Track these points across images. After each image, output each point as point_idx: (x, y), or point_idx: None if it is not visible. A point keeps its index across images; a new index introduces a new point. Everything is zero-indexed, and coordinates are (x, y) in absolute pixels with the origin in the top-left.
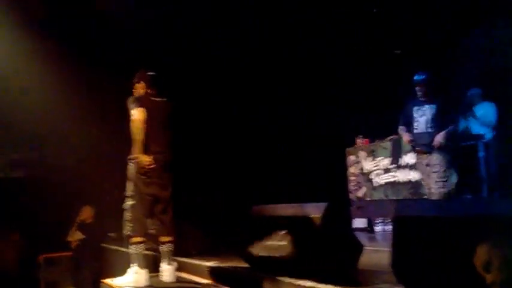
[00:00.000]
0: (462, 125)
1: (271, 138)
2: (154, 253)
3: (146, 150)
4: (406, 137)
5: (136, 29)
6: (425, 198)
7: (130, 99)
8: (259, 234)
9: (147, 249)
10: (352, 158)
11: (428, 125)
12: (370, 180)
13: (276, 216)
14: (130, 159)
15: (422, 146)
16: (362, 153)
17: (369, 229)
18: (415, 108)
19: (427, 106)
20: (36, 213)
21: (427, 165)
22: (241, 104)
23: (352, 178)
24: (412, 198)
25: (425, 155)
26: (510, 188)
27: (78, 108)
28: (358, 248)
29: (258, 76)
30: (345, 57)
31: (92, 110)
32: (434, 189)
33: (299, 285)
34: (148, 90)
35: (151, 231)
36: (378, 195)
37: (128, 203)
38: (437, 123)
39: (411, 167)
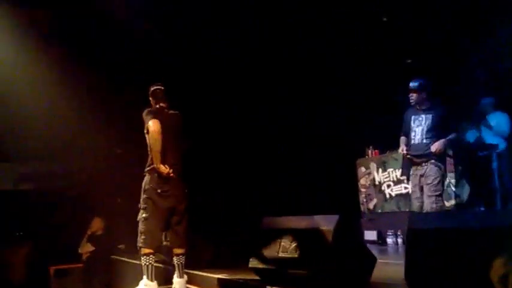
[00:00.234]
0: (474, 135)
1: (282, 150)
2: (165, 266)
3: (163, 161)
4: (400, 149)
5: (147, 38)
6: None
7: (145, 111)
8: (270, 247)
9: (158, 262)
10: (362, 169)
11: (424, 136)
12: (381, 192)
13: (287, 228)
14: (146, 171)
15: (417, 156)
16: (373, 165)
17: (380, 241)
18: (413, 117)
19: (423, 116)
20: (47, 225)
21: (421, 176)
22: (253, 114)
23: (363, 190)
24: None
25: (420, 166)
26: None
27: (90, 121)
28: (371, 260)
29: (267, 81)
30: (357, 67)
31: (103, 122)
32: (426, 204)
33: None
34: (161, 104)
35: (166, 242)
36: (390, 207)
37: (141, 215)
38: (434, 133)
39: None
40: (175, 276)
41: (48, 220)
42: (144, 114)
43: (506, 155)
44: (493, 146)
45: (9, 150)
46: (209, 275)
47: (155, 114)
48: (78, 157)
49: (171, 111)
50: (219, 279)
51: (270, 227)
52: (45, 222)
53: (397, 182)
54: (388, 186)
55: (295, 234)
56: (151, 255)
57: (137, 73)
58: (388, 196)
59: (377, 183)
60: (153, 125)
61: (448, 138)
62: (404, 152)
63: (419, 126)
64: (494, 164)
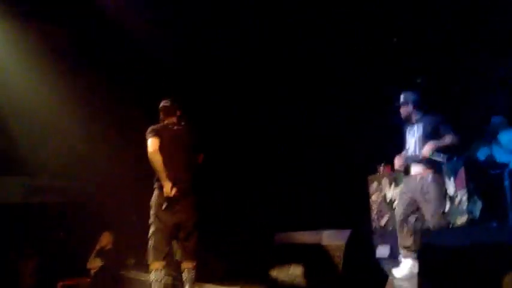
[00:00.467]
0: (486, 153)
1: (294, 165)
2: (174, 281)
3: (170, 177)
4: (395, 163)
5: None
6: (452, 228)
7: (148, 129)
8: (282, 262)
9: (168, 277)
10: (374, 185)
11: (417, 146)
12: (393, 209)
13: (299, 243)
14: (154, 187)
15: (413, 165)
16: (385, 181)
17: (392, 258)
18: (407, 130)
19: (415, 127)
20: (55, 239)
21: (418, 190)
22: (256, 115)
23: (374, 206)
24: (438, 226)
25: (415, 179)
26: None
27: (101, 136)
28: (383, 276)
29: (268, 81)
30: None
31: (114, 137)
32: (432, 222)
33: None
34: (170, 119)
35: (177, 257)
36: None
37: (150, 230)
38: (427, 141)
39: None
40: None
41: (56, 234)
42: (147, 132)
43: None
44: (505, 164)
45: (19, 163)
46: None
47: (155, 133)
48: (88, 171)
49: (180, 126)
50: None
51: (283, 242)
52: (53, 236)
53: None
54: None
55: (308, 249)
56: (159, 271)
57: (152, 87)
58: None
59: (388, 200)
60: (149, 146)
61: (440, 140)
62: (397, 167)
63: (412, 138)
64: (506, 182)
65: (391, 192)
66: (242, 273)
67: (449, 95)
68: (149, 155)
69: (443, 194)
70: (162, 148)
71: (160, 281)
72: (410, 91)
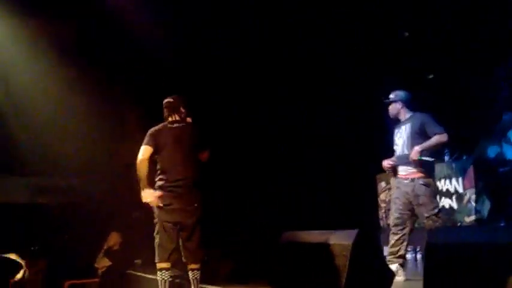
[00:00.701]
0: (496, 150)
1: (303, 163)
2: (181, 281)
3: (166, 179)
4: (384, 164)
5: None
6: (458, 226)
7: (149, 131)
8: (289, 261)
9: (174, 276)
10: (382, 184)
11: (405, 147)
12: None
13: (306, 242)
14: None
15: (400, 166)
16: (393, 180)
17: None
18: (396, 130)
19: (403, 126)
20: (63, 239)
21: (408, 192)
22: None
23: (383, 205)
24: (444, 225)
25: (405, 181)
26: None
27: (108, 136)
28: (389, 276)
29: (269, 81)
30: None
31: (122, 137)
32: (427, 224)
33: None
34: (172, 117)
35: (182, 257)
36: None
37: (154, 229)
38: (415, 142)
39: (444, 193)
40: None
41: (64, 234)
42: (147, 133)
43: None
44: None
45: (26, 163)
46: None
47: (150, 139)
48: (95, 171)
49: (184, 123)
50: None
51: (289, 241)
52: (61, 236)
53: None
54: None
55: (314, 248)
56: (165, 270)
57: (152, 86)
58: None
59: None
60: (140, 153)
61: (426, 142)
62: (386, 165)
63: (400, 138)
64: None
65: None
66: (247, 273)
67: (459, 92)
68: (137, 162)
69: (434, 195)
70: (162, 147)
71: (167, 280)
72: (400, 89)
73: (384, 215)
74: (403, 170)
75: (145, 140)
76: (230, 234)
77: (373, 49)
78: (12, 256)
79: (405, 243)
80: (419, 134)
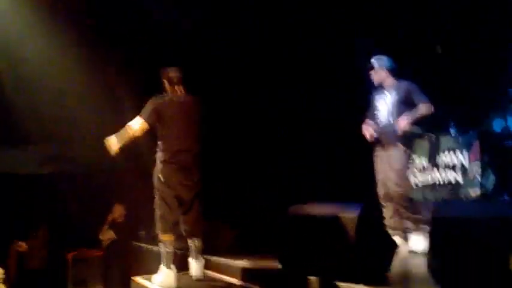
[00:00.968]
0: (501, 124)
1: (307, 136)
2: (184, 252)
3: (168, 152)
4: (366, 130)
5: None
6: (463, 200)
7: (151, 100)
8: (294, 234)
9: (177, 248)
10: None
11: (389, 115)
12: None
13: (312, 215)
14: (155, 158)
15: (383, 137)
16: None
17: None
18: (377, 97)
19: (387, 94)
20: (67, 210)
21: (387, 162)
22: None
23: None
24: (450, 199)
25: (385, 150)
26: None
27: (115, 106)
28: (394, 248)
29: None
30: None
31: (129, 108)
32: (393, 191)
33: (334, 285)
34: (176, 89)
35: (181, 230)
36: (415, 196)
37: (155, 201)
38: (399, 111)
39: (449, 167)
40: (192, 260)
41: (68, 205)
42: (149, 102)
43: None
44: None
45: (31, 132)
46: (230, 261)
47: (155, 112)
48: (99, 141)
49: (187, 96)
50: (240, 266)
51: (295, 214)
52: (65, 208)
53: (423, 170)
54: (414, 174)
55: (320, 221)
56: (168, 242)
57: (158, 59)
58: (413, 185)
59: None
60: (136, 125)
61: (413, 111)
62: (372, 134)
63: (383, 106)
64: None
65: None
66: (253, 245)
67: (464, 65)
68: (129, 131)
69: (408, 161)
70: (168, 120)
71: (170, 252)
72: (385, 55)
73: None
74: (385, 140)
75: (146, 114)
76: (235, 205)
77: (374, 30)
78: None
79: (398, 215)
80: (405, 103)
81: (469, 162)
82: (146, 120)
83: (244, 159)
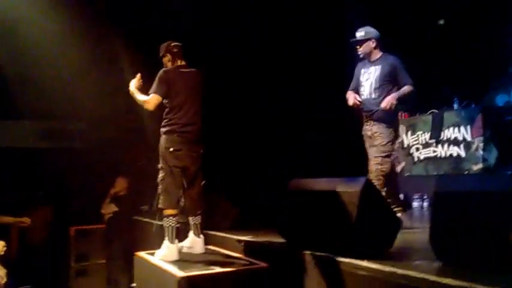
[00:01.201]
0: (504, 99)
1: (308, 110)
2: (185, 226)
3: (177, 124)
4: (350, 100)
5: None
6: (466, 174)
7: (161, 74)
8: (296, 209)
9: (180, 223)
10: None
11: (372, 90)
12: (409, 155)
13: (314, 190)
14: (162, 131)
15: (367, 112)
16: (402, 127)
17: (407, 205)
18: (362, 70)
19: (372, 68)
20: (69, 184)
21: (370, 137)
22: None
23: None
24: (453, 173)
25: (369, 125)
26: None
27: (115, 80)
28: (397, 224)
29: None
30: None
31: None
32: (372, 166)
33: (336, 261)
34: (179, 62)
35: (181, 203)
36: (418, 171)
37: (160, 175)
38: (384, 86)
39: (452, 141)
40: (192, 236)
41: (70, 179)
42: (158, 76)
43: None
44: None
45: (29, 106)
46: (232, 236)
47: (165, 84)
48: (102, 116)
49: (190, 69)
50: (241, 240)
51: (297, 188)
52: (66, 182)
53: (426, 145)
54: (417, 149)
55: (322, 196)
56: (172, 217)
57: (161, 33)
58: (416, 159)
59: (405, 146)
60: (150, 101)
61: (399, 92)
62: (355, 102)
63: (368, 80)
64: None
65: (408, 139)
66: (255, 221)
67: (467, 39)
68: (144, 106)
69: (391, 137)
70: (177, 92)
71: (174, 227)
72: (371, 27)
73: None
74: (369, 114)
75: (156, 87)
76: (236, 181)
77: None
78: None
79: (392, 190)
80: (389, 79)
81: (472, 136)
82: (159, 94)
83: (245, 138)
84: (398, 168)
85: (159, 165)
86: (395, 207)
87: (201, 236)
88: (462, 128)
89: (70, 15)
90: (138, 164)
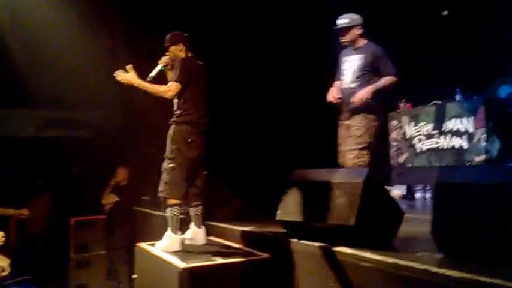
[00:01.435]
0: (507, 90)
1: (310, 99)
2: (186, 217)
3: (193, 115)
4: (329, 96)
5: None
6: (468, 166)
7: (185, 62)
8: (298, 199)
9: (182, 213)
10: (394, 122)
11: (353, 79)
12: (412, 146)
13: (316, 181)
14: (176, 121)
15: (344, 102)
16: (405, 118)
17: (409, 196)
18: (344, 58)
19: (354, 56)
20: (69, 174)
21: (348, 128)
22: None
23: (394, 143)
24: (455, 165)
25: (346, 115)
26: None
27: (117, 67)
28: (399, 215)
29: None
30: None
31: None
32: (348, 159)
33: (338, 252)
34: (189, 54)
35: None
36: (420, 162)
37: (168, 165)
38: (364, 76)
39: (455, 133)
40: (194, 227)
41: (70, 169)
42: (181, 64)
43: None
44: None
45: (32, 94)
46: (234, 227)
47: (189, 73)
48: (104, 105)
49: (201, 62)
50: (244, 231)
51: (299, 179)
52: (67, 172)
53: (429, 136)
54: (420, 140)
55: (325, 187)
56: (176, 207)
57: (167, 21)
58: (418, 150)
59: (408, 137)
60: (173, 89)
61: (377, 83)
62: (331, 100)
63: (349, 69)
64: None
65: (411, 130)
66: (258, 212)
67: (470, 30)
68: (163, 93)
69: (367, 128)
70: (195, 82)
71: (178, 217)
72: (354, 13)
73: (395, 154)
74: (345, 107)
75: (180, 75)
76: (238, 172)
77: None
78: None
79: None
80: (370, 69)
81: (474, 128)
82: (181, 82)
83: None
84: (401, 159)
85: (169, 155)
86: None
87: (203, 227)
88: (465, 120)
89: (84, 4)
90: (142, 153)
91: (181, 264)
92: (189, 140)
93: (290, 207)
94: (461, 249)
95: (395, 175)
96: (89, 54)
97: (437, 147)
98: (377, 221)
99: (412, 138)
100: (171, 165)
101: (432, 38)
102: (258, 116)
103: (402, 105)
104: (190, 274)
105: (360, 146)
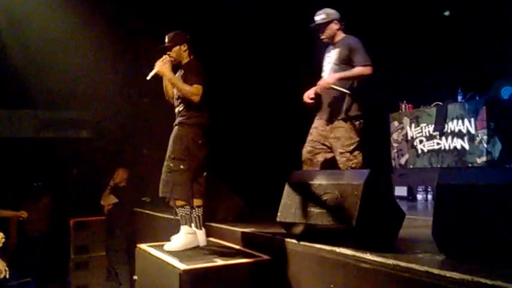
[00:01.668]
0: (509, 91)
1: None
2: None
3: (204, 117)
4: (305, 95)
5: None
6: (469, 167)
7: (201, 67)
8: (299, 201)
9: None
10: (395, 124)
11: (331, 74)
12: (413, 147)
13: (317, 182)
14: (187, 123)
15: (323, 104)
16: (406, 119)
17: (410, 197)
18: (326, 55)
19: (333, 51)
20: (69, 175)
21: (328, 127)
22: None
23: (395, 145)
24: (456, 166)
25: (326, 117)
26: None
27: (118, 70)
28: (400, 216)
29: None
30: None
31: (132, 72)
32: (341, 162)
33: (338, 253)
34: (192, 55)
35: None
36: (422, 163)
37: (179, 166)
38: (340, 69)
39: (456, 134)
40: (195, 229)
41: (69, 170)
42: (198, 67)
43: None
44: None
45: (32, 95)
46: (234, 228)
47: (204, 76)
48: (103, 106)
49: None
50: (244, 233)
51: (299, 180)
52: (66, 173)
53: (430, 137)
54: (421, 141)
55: (325, 188)
56: (187, 206)
57: (169, 21)
58: (420, 152)
59: (409, 138)
60: (199, 93)
61: (345, 72)
62: (308, 94)
63: (328, 64)
64: None
65: (412, 131)
66: (259, 215)
67: (472, 31)
68: (192, 99)
69: (355, 131)
70: (205, 84)
71: (189, 214)
72: (330, 8)
73: (396, 155)
74: (324, 106)
75: (200, 78)
76: (239, 174)
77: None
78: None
79: None
80: (346, 62)
81: (476, 129)
82: (202, 84)
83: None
84: (402, 161)
85: (179, 156)
86: None
87: (203, 228)
88: (466, 121)
89: (84, 5)
90: (144, 153)
91: (181, 265)
92: (200, 141)
93: (290, 209)
94: (462, 251)
95: (396, 177)
96: (89, 55)
97: (439, 149)
98: (378, 222)
99: (413, 139)
100: (182, 166)
101: (434, 38)
102: (258, 116)
103: (403, 106)
104: (191, 276)
105: (350, 148)
